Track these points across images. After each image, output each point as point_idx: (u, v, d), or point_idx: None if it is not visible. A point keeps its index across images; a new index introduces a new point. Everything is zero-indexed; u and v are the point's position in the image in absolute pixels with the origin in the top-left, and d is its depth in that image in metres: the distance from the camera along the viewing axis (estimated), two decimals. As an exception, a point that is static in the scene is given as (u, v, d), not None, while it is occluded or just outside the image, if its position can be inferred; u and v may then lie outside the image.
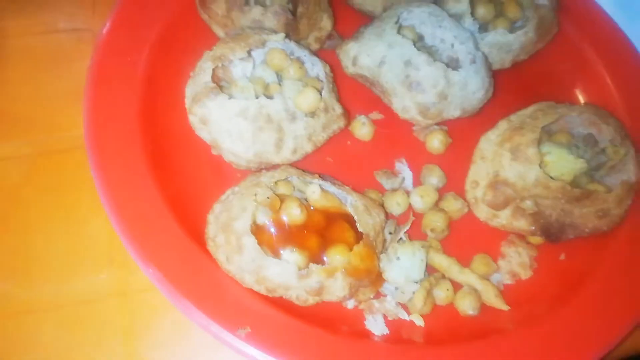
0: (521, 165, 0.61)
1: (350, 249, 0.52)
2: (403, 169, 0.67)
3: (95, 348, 0.58)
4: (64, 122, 0.68)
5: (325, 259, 0.52)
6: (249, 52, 0.59)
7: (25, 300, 0.59)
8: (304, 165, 0.62)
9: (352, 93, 0.70)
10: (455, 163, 0.68)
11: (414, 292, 0.56)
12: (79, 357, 0.57)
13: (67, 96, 0.70)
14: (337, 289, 0.52)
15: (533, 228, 0.62)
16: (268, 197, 0.52)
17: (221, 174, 0.62)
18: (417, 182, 0.67)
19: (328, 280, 0.51)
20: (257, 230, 0.52)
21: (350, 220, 0.54)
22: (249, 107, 0.55)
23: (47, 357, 0.57)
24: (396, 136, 0.69)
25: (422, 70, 0.62)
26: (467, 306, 0.58)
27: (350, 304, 0.57)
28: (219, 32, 0.68)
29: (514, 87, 0.75)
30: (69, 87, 0.70)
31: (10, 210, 0.62)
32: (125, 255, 0.61)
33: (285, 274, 0.50)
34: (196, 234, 0.55)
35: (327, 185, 0.55)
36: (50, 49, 0.73)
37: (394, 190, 0.65)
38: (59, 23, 0.74)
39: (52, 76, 0.71)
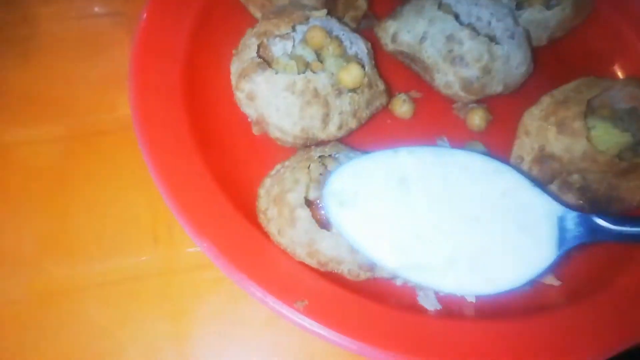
0: (568, 138, 0.60)
1: None
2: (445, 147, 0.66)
3: (140, 326, 0.57)
4: (99, 106, 0.68)
5: None
6: (293, 27, 0.58)
7: (67, 278, 0.58)
8: (346, 144, 0.61)
9: (390, 72, 0.69)
10: (497, 139, 0.67)
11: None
12: (123, 334, 0.57)
13: (102, 80, 0.69)
14: None
15: (581, 202, 0.61)
16: (321, 174, 0.52)
17: (264, 153, 0.62)
18: (460, 160, 0.65)
19: None
20: (309, 205, 0.52)
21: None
22: (297, 81, 0.54)
23: (92, 334, 0.56)
24: (436, 114, 0.69)
25: (465, 44, 0.62)
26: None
27: (399, 281, 0.57)
28: (256, 12, 0.67)
29: (551, 65, 0.74)
30: (105, 71, 0.70)
31: (50, 192, 0.62)
32: (169, 235, 0.62)
33: (338, 247, 0.50)
34: (245, 209, 0.54)
35: None
36: (85, 34, 0.72)
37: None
38: (93, 7, 0.74)
39: (88, 61, 0.71)
